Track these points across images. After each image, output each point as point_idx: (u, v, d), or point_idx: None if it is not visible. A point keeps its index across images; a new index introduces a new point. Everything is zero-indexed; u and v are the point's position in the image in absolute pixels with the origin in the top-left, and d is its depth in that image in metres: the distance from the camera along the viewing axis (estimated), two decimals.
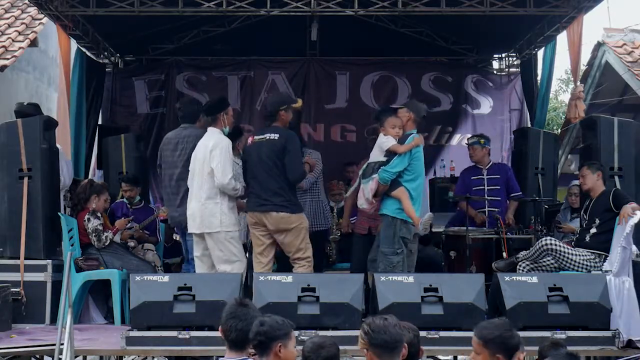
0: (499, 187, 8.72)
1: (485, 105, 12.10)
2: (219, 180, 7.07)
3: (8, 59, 11.85)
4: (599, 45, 13.57)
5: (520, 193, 8.90)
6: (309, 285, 6.42)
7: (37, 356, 6.97)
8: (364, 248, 7.91)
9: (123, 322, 7.58)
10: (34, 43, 12.97)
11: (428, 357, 8.48)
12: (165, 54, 11.99)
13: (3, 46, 12.04)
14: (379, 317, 4.10)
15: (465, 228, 8.06)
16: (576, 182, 8.85)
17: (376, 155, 7.31)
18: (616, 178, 8.00)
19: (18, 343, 6.53)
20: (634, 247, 7.16)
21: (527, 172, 9.67)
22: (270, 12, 9.25)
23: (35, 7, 10.07)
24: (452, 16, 9.41)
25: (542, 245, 7.28)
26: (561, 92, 28.04)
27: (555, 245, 7.25)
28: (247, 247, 8.09)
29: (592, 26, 24.06)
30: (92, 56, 10.89)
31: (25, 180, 7.78)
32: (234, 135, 7.84)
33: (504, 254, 7.86)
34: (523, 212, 9.08)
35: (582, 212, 7.63)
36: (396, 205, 7.09)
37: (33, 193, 7.77)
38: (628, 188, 7.84)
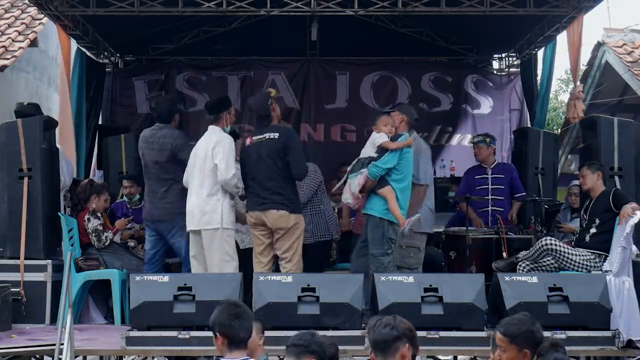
0: (503, 187, 8.72)
1: (485, 105, 12.11)
2: (222, 176, 7.07)
3: (8, 59, 11.86)
4: (599, 45, 13.58)
5: (524, 194, 8.91)
6: (309, 285, 6.42)
7: (37, 356, 6.97)
8: (364, 248, 7.92)
9: (123, 322, 7.58)
10: (34, 43, 12.98)
11: (428, 357, 8.49)
12: (165, 54, 11.99)
13: (3, 46, 12.05)
14: (379, 316, 4.09)
15: (465, 228, 8.07)
16: (576, 182, 8.85)
17: (368, 152, 7.30)
18: (616, 178, 8.00)
19: (18, 343, 6.53)
20: (634, 247, 7.16)
21: (527, 172, 9.66)
22: (270, 12, 9.25)
23: (35, 7, 10.08)
24: (452, 16, 9.41)
25: (542, 245, 7.28)
26: (561, 92, 28.06)
27: (555, 245, 7.25)
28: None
29: (592, 26, 24.10)
30: (92, 56, 10.90)
31: (25, 180, 7.78)
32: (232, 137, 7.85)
33: (504, 254, 7.86)
34: (523, 212, 9.08)
35: (582, 212, 7.63)
36: (383, 206, 7.06)
37: (33, 193, 7.77)
38: (628, 188, 7.84)
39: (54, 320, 7.36)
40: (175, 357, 7.51)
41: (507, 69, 12.18)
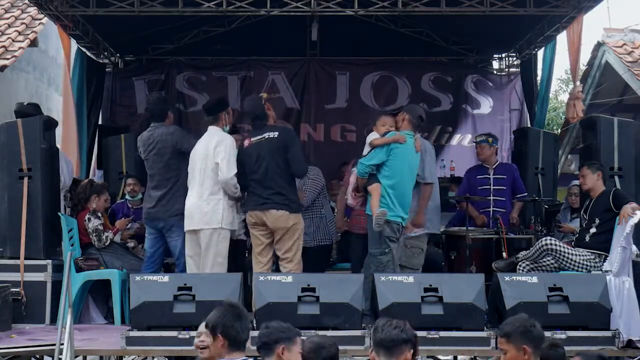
0: (504, 188, 8.71)
1: (485, 105, 12.10)
2: (223, 175, 7.08)
3: (8, 59, 11.86)
4: (599, 45, 13.58)
5: (526, 194, 8.91)
6: (309, 285, 6.42)
7: (37, 356, 6.97)
8: (363, 247, 7.94)
9: (123, 322, 7.58)
10: (34, 43, 12.98)
11: (428, 357, 8.49)
12: (165, 54, 11.99)
13: (3, 46, 12.04)
14: (388, 317, 4.12)
15: (465, 228, 8.07)
16: (576, 182, 8.85)
17: (365, 152, 7.36)
18: (616, 178, 8.01)
19: (18, 343, 6.53)
20: (634, 247, 7.16)
21: (527, 172, 9.66)
22: (270, 12, 9.26)
23: (35, 7, 10.08)
24: (452, 16, 9.42)
25: (542, 245, 7.28)
26: (561, 92, 28.06)
27: (555, 245, 7.25)
28: (248, 248, 8.11)
29: (592, 26, 24.12)
30: (92, 56, 10.90)
31: (25, 180, 7.78)
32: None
33: (504, 254, 7.86)
34: (523, 212, 9.08)
35: (582, 212, 7.63)
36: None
37: (33, 193, 7.77)
38: (628, 188, 7.84)
39: (54, 320, 7.36)
40: (175, 357, 7.52)
41: (507, 69, 12.18)
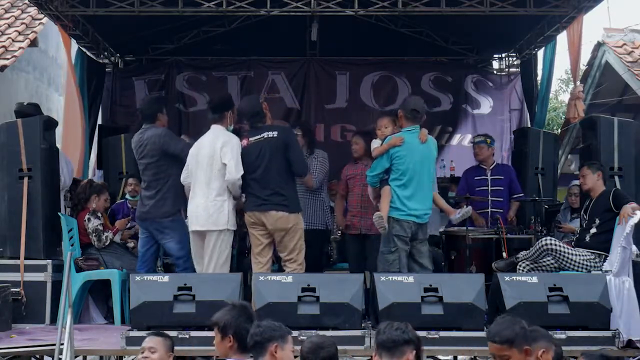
0: (502, 188, 8.74)
1: (485, 105, 12.10)
2: (231, 176, 7.06)
3: (8, 59, 11.86)
4: (599, 45, 13.58)
5: (523, 194, 8.92)
6: (309, 285, 6.42)
7: (37, 356, 6.97)
8: (358, 248, 8.01)
9: (123, 322, 7.58)
10: (34, 43, 12.97)
11: (428, 357, 8.48)
12: (165, 54, 11.99)
13: (3, 46, 12.04)
14: (389, 321, 4.12)
15: (465, 228, 8.07)
16: (576, 182, 8.85)
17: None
18: (616, 178, 8.01)
19: (18, 343, 6.54)
20: (634, 247, 7.16)
21: (527, 172, 9.66)
22: (270, 12, 9.25)
23: (35, 7, 10.08)
24: (452, 16, 9.42)
25: (542, 245, 7.28)
26: (561, 92, 28.06)
27: (555, 245, 7.25)
28: (248, 248, 8.10)
29: (592, 26, 24.14)
30: (92, 56, 10.90)
31: (25, 180, 7.78)
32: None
33: (504, 254, 7.86)
34: (523, 212, 9.08)
35: (582, 212, 7.63)
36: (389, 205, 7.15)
37: (33, 193, 7.77)
38: (628, 188, 7.85)
39: (54, 320, 7.36)
40: (175, 357, 7.51)
41: (507, 69, 12.18)
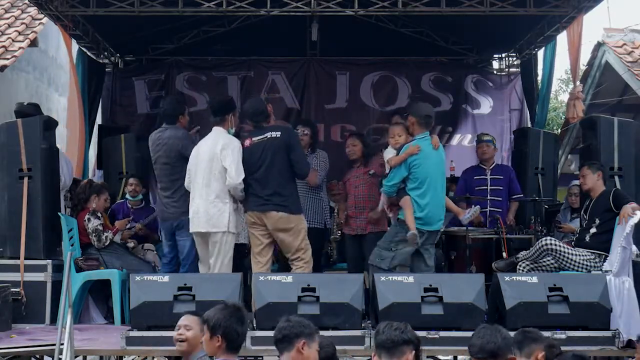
0: (501, 188, 8.77)
1: (485, 105, 12.10)
2: (232, 180, 7.06)
3: (8, 59, 11.85)
4: (599, 45, 13.58)
5: (522, 195, 8.93)
6: (309, 285, 6.43)
7: (37, 356, 6.98)
8: (355, 249, 8.07)
9: (123, 322, 7.58)
10: (34, 43, 12.97)
11: (428, 357, 8.48)
12: (165, 54, 11.98)
13: (3, 46, 12.04)
14: (390, 322, 4.12)
15: (465, 228, 8.07)
16: (576, 182, 8.86)
17: (387, 168, 7.56)
18: (616, 178, 8.01)
19: (18, 343, 6.54)
20: (634, 247, 7.17)
21: (527, 172, 9.67)
22: (270, 12, 9.25)
23: (35, 7, 10.08)
24: (452, 16, 9.41)
25: (542, 245, 7.28)
26: (561, 92, 28.04)
27: (555, 245, 7.25)
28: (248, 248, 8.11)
29: (592, 26, 24.15)
30: (92, 56, 10.89)
31: (25, 180, 7.78)
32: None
33: (504, 254, 7.86)
34: (523, 212, 9.09)
35: (582, 212, 7.63)
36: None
37: (33, 193, 7.78)
38: (628, 188, 7.85)
39: (54, 320, 7.36)
40: (175, 357, 7.52)
41: (507, 69, 12.17)
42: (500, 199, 8.72)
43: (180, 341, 4.87)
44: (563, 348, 5.51)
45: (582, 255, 7.22)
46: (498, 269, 7.50)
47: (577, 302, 6.43)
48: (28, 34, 12.68)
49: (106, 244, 8.12)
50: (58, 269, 7.61)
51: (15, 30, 12.63)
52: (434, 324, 6.31)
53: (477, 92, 12.07)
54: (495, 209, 8.57)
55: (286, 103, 11.80)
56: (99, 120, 11.35)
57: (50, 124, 8.16)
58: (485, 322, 6.40)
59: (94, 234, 8.09)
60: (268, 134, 7.19)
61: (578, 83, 9.42)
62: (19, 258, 7.62)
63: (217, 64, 12.01)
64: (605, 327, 6.42)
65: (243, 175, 7.11)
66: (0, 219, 7.86)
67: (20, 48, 12.24)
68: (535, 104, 10.99)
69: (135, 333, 6.35)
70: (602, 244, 7.21)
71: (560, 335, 6.20)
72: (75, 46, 10.22)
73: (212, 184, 7.13)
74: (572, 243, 7.52)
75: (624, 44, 13.37)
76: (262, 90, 11.73)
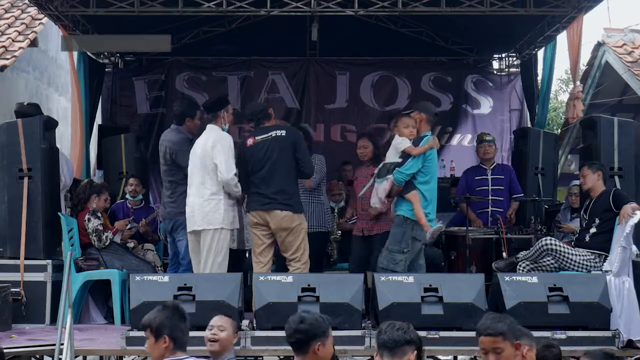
0: (502, 188, 8.77)
1: (485, 105, 12.11)
2: (223, 176, 7.06)
3: (8, 59, 11.83)
4: (599, 45, 13.57)
5: (522, 195, 8.93)
6: (309, 285, 6.42)
7: (37, 356, 6.98)
8: (360, 249, 8.01)
9: (123, 322, 7.59)
10: (34, 43, 12.95)
11: (428, 357, 8.49)
12: (165, 53, 11.97)
13: (3, 46, 12.03)
14: (391, 321, 4.11)
15: (465, 228, 8.07)
16: (576, 182, 8.86)
17: (391, 156, 7.32)
18: (616, 178, 8.01)
19: (18, 343, 6.53)
20: (634, 247, 7.17)
21: (527, 172, 9.67)
22: (270, 12, 9.25)
23: (35, 7, 10.08)
24: (452, 16, 9.42)
25: (542, 245, 7.28)
26: (561, 92, 28.04)
27: (555, 245, 7.25)
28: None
29: (592, 26, 24.12)
30: (92, 56, 10.89)
31: (25, 180, 7.78)
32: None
33: (504, 254, 7.86)
34: (523, 212, 9.08)
35: (582, 212, 7.63)
36: (410, 207, 7.11)
37: (33, 193, 7.77)
38: (628, 188, 7.85)
39: (54, 320, 7.36)
40: None
41: (507, 69, 12.18)
42: (501, 198, 8.72)
43: (213, 341, 4.86)
44: (563, 348, 5.52)
45: (582, 255, 7.22)
46: (498, 269, 7.50)
47: (577, 302, 6.42)
48: (28, 34, 12.67)
49: (106, 244, 8.12)
50: (58, 269, 7.61)
51: (15, 30, 12.62)
52: (434, 324, 6.30)
53: (477, 92, 12.08)
54: (497, 209, 8.58)
55: (286, 103, 11.81)
56: (99, 120, 11.35)
57: (50, 124, 8.16)
58: None
59: (94, 234, 8.09)
60: (273, 133, 7.19)
61: (578, 83, 9.43)
62: (19, 258, 7.62)
63: (217, 64, 12.02)
64: (605, 327, 6.42)
65: (234, 171, 7.11)
66: (0, 219, 7.86)
67: (20, 48, 12.22)
68: (535, 104, 11.00)
69: (135, 333, 6.34)
70: (602, 244, 7.21)
71: (560, 335, 6.20)
72: None
73: (207, 182, 7.15)
74: (572, 243, 7.52)
75: (624, 44, 13.37)
76: (262, 90, 11.75)
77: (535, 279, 6.59)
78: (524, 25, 10.18)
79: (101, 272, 7.92)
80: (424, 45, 11.78)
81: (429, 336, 6.18)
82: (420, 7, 8.83)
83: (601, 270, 7.08)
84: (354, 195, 8.42)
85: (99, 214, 8.23)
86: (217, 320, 5.01)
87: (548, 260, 7.28)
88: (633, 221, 7.00)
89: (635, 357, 6.34)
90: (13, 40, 12.32)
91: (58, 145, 8.41)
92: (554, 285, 6.50)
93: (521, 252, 7.56)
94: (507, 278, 6.58)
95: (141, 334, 6.33)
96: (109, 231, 8.20)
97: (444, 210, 9.39)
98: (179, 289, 6.42)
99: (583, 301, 6.43)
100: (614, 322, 6.55)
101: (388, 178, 7.22)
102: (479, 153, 9.08)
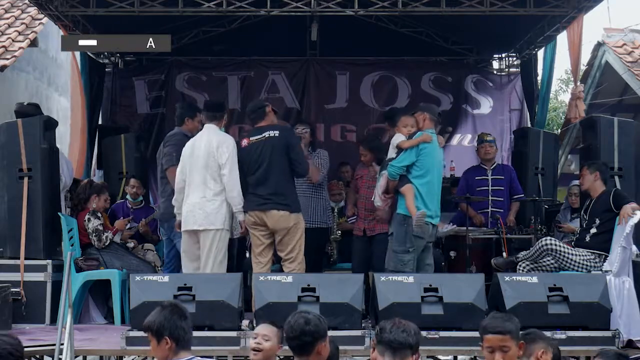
0: (502, 188, 8.77)
1: (485, 105, 12.10)
2: (227, 179, 7.07)
3: (8, 59, 11.84)
4: (599, 45, 13.57)
5: (523, 195, 8.93)
6: (309, 285, 6.42)
7: (37, 356, 6.97)
8: (362, 249, 8.02)
9: (123, 322, 7.59)
10: (34, 43, 12.96)
11: (428, 357, 8.49)
12: (165, 53, 11.96)
13: (3, 46, 12.03)
14: (393, 319, 4.10)
15: (465, 228, 8.07)
16: (576, 182, 8.86)
17: (390, 154, 7.40)
18: (616, 178, 8.01)
19: None
20: (634, 247, 7.17)
21: (527, 172, 9.66)
22: (270, 12, 9.25)
23: (35, 7, 10.08)
24: (452, 16, 9.41)
25: (542, 245, 7.28)
26: (561, 92, 28.03)
27: (555, 245, 7.25)
28: (248, 247, 8.11)
29: (592, 26, 24.08)
30: (92, 56, 10.89)
31: (25, 180, 7.78)
32: None
33: (504, 254, 7.86)
34: (523, 212, 9.08)
35: (582, 212, 7.63)
36: None
37: (33, 193, 7.77)
38: (628, 188, 7.84)
39: (54, 320, 7.36)
40: None
41: (507, 69, 12.18)
42: (501, 199, 8.72)
43: (257, 350, 4.72)
44: (563, 348, 5.51)
45: (582, 255, 7.22)
46: (497, 265, 7.52)
47: (577, 302, 6.42)
48: (28, 34, 12.67)
49: (106, 244, 8.12)
50: (58, 269, 7.61)
51: (15, 30, 12.62)
52: (434, 324, 6.30)
53: (477, 92, 12.08)
54: (497, 209, 8.58)
55: (286, 103, 11.81)
56: (99, 120, 11.34)
57: (50, 124, 8.16)
58: None
59: (94, 234, 8.09)
60: (266, 133, 7.19)
61: (579, 83, 9.42)
62: (19, 258, 7.62)
63: (217, 64, 12.01)
64: (605, 327, 6.42)
65: (237, 174, 7.10)
66: (0, 218, 7.86)
67: (20, 48, 12.23)
68: (535, 104, 11.00)
69: (135, 333, 6.34)
70: (602, 244, 7.21)
71: (560, 335, 6.20)
72: None
73: (209, 182, 7.13)
74: (572, 243, 7.52)
75: (624, 44, 13.37)
76: (262, 90, 11.75)
77: (535, 279, 6.59)
78: (524, 25, 10.18)
79: (101, 272, 7.93)
80: (424, 46, 11.78)
81: (429, 336, 6.17)
82: (420, 7, 8.83)
83: (601, 270, 7.08)
84: (354, 194, 8.42)
85: (99, 214, 8.23)
86: (262, 329, 4.83)
87: (548, 260, 7.28)
88: (633, 221, 7.00)
89: (635, 357, 6.33)
90: (13, 40, 12.32)
91: (58, 145, 8.41)
92: (554, 285, 6.50)
93: (521, 252, 7.56)
94: (507, 278, 6.59)
95: (141, 334, 6.33)
96: (109, 231, 8.20)
97: (443, 210, 9.39)
98: (179, 289, 6.42)
99: (583, 301, 6.43)
100: (614, 322, 6.55)
101: (383, 174, 7.26)
102: (479, 153, 9.09)
